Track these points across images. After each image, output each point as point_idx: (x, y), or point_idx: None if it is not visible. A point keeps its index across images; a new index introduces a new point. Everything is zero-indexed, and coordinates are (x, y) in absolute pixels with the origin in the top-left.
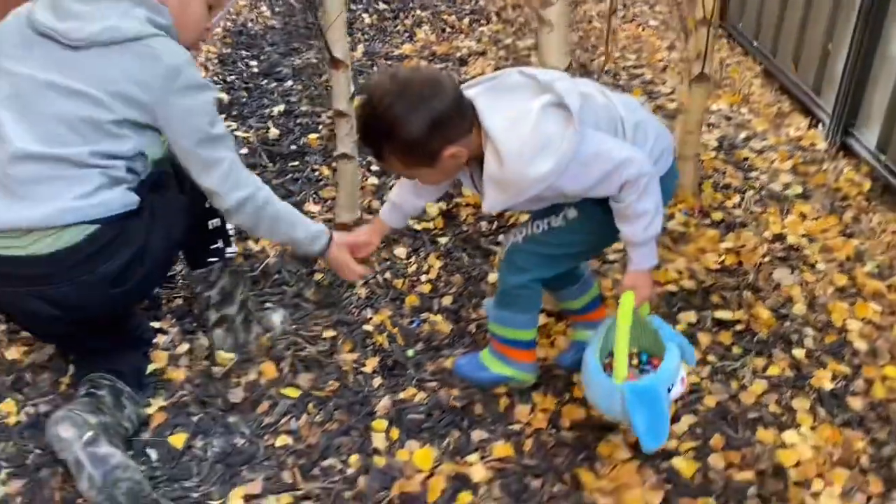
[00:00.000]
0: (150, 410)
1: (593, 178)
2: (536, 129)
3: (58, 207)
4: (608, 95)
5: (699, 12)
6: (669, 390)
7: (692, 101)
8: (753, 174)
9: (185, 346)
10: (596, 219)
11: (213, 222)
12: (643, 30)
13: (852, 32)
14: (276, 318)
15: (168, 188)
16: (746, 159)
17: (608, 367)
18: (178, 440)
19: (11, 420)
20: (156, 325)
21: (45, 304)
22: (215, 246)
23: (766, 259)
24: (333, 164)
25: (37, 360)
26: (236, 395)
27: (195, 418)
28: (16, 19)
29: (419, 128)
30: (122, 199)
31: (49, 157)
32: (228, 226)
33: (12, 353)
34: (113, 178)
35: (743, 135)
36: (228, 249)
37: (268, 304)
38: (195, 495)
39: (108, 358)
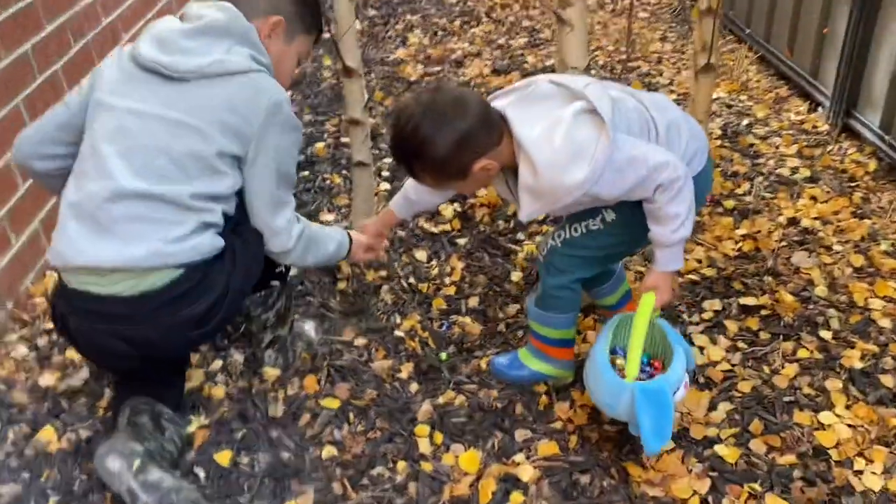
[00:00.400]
0: (191, 429)
1: (629, 184)
2: (569, 137)
3: (147, 249)
4: (638, 97)
5: (703, 3)
6: (674, 393)
7: (699, 91)
8: (760, 160)
9: (218, 363)
10: (634, 220)
11: None
12: (634, 21)
13: (849, 14)
14: (310, 330)
15: (246, 229)
16: (752, 146)
17: (615, 365)
18: (223, 457)
19: (53, 447)
20: None
21: (123, 343)
22: (279, 269)
23: (783, 243)
24: (344, 172)
25: (71, 386)
26: (276, 409)
27: (238, 434)
28: (116, 57)
29: (446, 146)
30: (211, 243)
31: (150, 195)
32: None
33: (46, 380)
34: (207, 223)
35: (745, 122)
36: (291, 272)
37: (295, 317)
38: None
39: (150, 382)
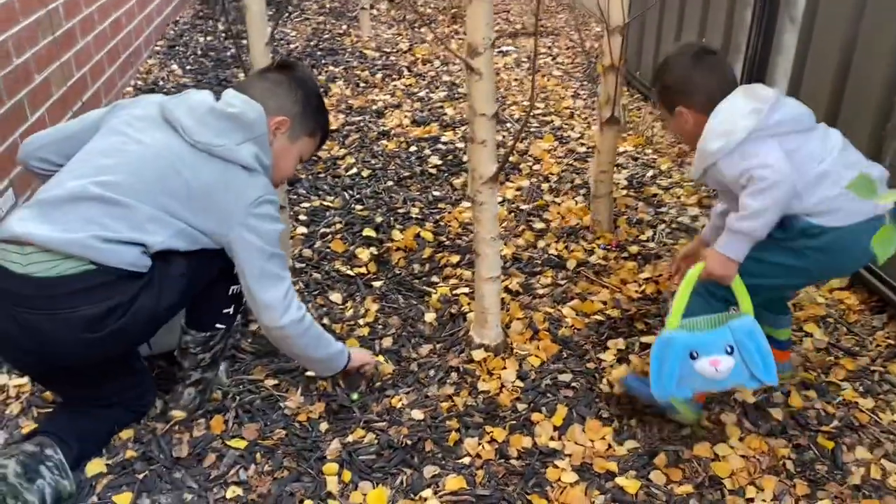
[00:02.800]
0: (94, 471)
1: (739, 169)
2: (730, 120)
3: (76, 238)
4: (834, 141)
5: (606, 59)
6: (694, 357)
7: (604, 143)
8: (663, 209)
9: None
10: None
11: (234, 288)
12: (548, 80)
13: (740, 80)
14: (222, 373)
15: (174, 262)
16: (655, 195)
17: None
18: (123, 500)
19: None
20: None
21: (17, 327)
22: (227, 311)
23: None
24: None
25: None
26: (181, 450)
27: (140, 476)
28: (144, 101)
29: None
30: (135, 258)
31: (111, 200)
32: None
33: None
34: (142, 241)
35: (650, 173)
36: (239, 317)
37: None
38: None
39: (72, 416)
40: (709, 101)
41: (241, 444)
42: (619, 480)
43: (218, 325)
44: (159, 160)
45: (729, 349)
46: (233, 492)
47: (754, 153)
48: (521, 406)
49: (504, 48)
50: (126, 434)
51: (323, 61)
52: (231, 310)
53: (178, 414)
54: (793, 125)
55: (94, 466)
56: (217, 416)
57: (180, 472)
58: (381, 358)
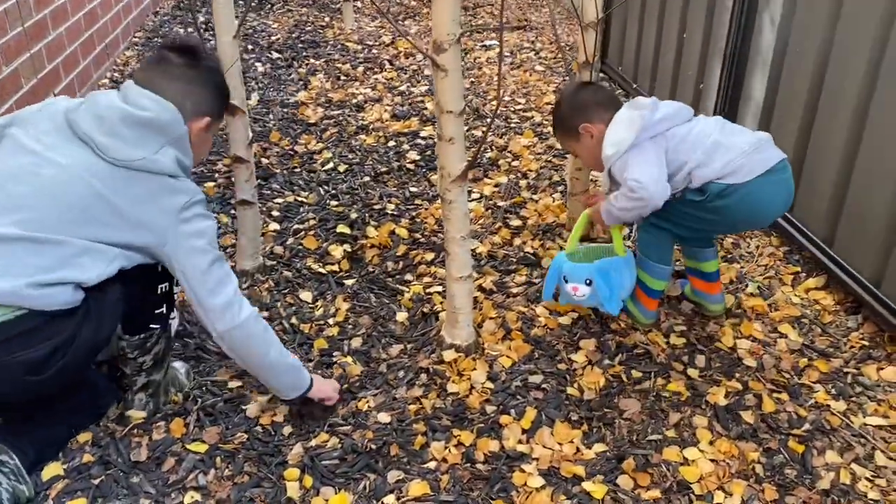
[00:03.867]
0: (49, 474)
1: (622, 175)
2: (620, 129)
3: (9, 286)
4: (712, 120)
5: (581, 56)
6: (565, 281)
7: None
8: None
9: None
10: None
11: (163, 286)
12: (530, 75)
13: (720, 72)
14: (182, 374)
15: (108, 289)
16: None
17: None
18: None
19: None
20: None
21: None
22: (159, 311)
23: None
24: (232, 212)
25: None
26: (140, 454)
27: (96, 481)
28: (47, 110)
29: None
30: (68, 297)
31: (29, 239)
32: (176, 289)
33: None
34: (73, 279)
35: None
36: (172, 315)
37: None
38: None
39: (26, 423)
40: (605, 111)
41: (202, 447)
42: (586, 485)
43: (152, 326)
44: (78, 186)
45: (587, 282)
46: (191, 497)
47: (633, 163)
48: (489, 408)
49: (487, 42)
50: (84, 437)
51: (304, 54)
52: (164, 309)
53: (135, 415)
54: (674, 119)
55: (51, 470)
56: (177, 420)
57: (138, 476)
58: (349, 359)
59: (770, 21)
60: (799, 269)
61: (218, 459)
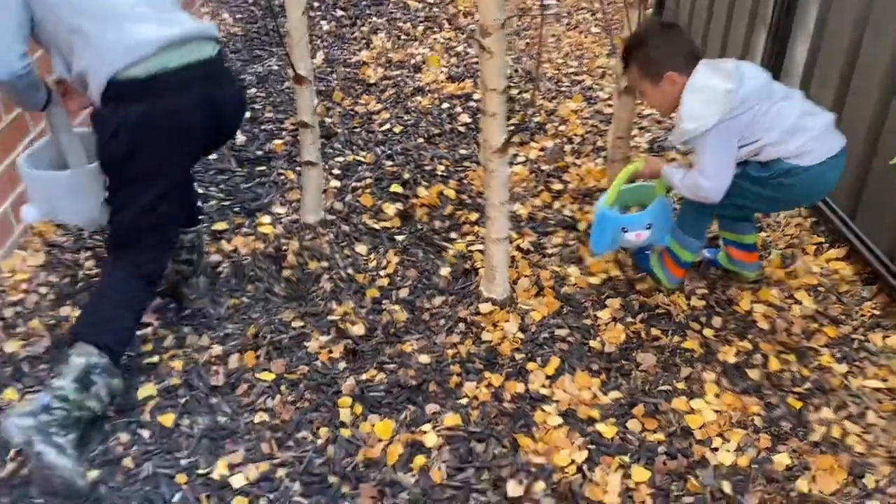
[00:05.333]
0: (144, 394)
1: (695, 156)
2: (704, 102)
3: (203, 26)
4: (795, 96)
5: (625, 30)
6: (625, 231)
7: (621, 110)
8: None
9: (171, 339)
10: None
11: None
12: (585, 37)
13: (763, 43)
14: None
15: None
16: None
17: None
18: (167, 419)
19: None
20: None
21: (211, 109)
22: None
23: None
24: (298, 169)
25: (32, 353)
26: (218, 380)
27: (182, 400)
28: None
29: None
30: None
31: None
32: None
33: (10, 347)
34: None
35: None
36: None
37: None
38: (184, 463)
39: (96, 312)
40: (689, 62)
41: (270, 376)
42: (599, 426)
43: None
44: None
45: (648, 226)
46: (260, 417)
47: (709, 152)
48: (518, 356)
49: (546, 2)
50: (175, 364)
51: (367, 12)
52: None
53: (215, 349)
54: (757, 98)
55: (145, 390)
56: (249, 352)
57: (216, 398)
58: (396, 307)
59: None
60: (822, 239)
61: (283, 387)
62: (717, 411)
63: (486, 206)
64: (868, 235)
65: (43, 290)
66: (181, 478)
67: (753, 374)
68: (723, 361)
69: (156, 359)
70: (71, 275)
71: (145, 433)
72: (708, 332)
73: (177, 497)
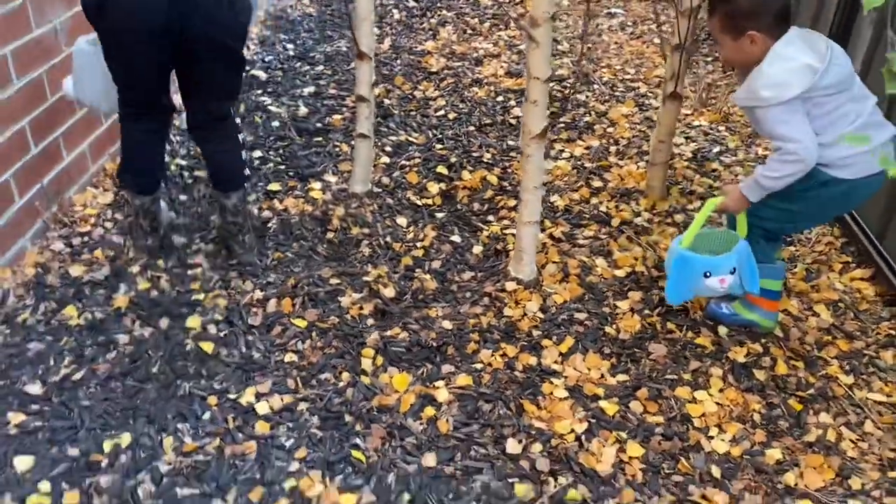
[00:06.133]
0: (189, 324)
1: (772, 129)
2: (787, 71)
3: None
4: (868, 102)
5: (674, 40)
6: (707, 276)
7: (664, 115)
8: (718, 184)
9: (217, 280)
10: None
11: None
12: (647, 47)
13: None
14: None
15: None
16: (715, 170)
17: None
18: (207, 347)
19: (73, 322)
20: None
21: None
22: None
23: None
24: (352, 143)
25: (94, 278)
26: (256, 320)
27: (223, 335)
28: None
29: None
30: None
31: None
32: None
33: (75, 271)
34: None
35: (717, 149)
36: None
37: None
38: (217, 387)
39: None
40: (778, 25)
41: (303, 323)
42: (602, 403)
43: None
44: None
45: (732, 270)
46: (290, 357)
47: (789, 121)
48: (535, 332)
49: (613, 10)
50: (220, 302)
51: (438, 4)
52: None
53: (257, 294)
54: (838, 87)
55: (192, 321)
56: (287, 299)
57: (252, 336)
58: (427, 276)
59: None
60: (850, 259)
61: (314, 334)
62: (718, 404)
63: (521, 190)
64: (893, 256)
65: (108, 224)
66: (212, 399)
67: (760, 374)
68: (732, 360)
69: (202, 296)
70: None
71: (186, 358)
72: (722, 330)
73: (206, 415)
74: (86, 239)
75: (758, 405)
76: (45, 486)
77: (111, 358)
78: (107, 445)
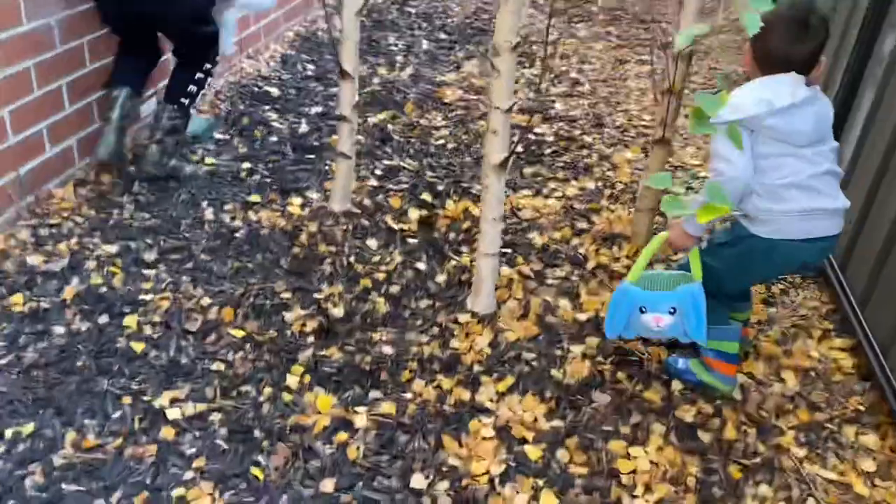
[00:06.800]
0: (125, 322)
1: (713, 147)
2: (746, 96)
3: None
4: (820, 166)
5: (664, 84)
6: (643, 311)
7: (653, 160)
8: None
9: (169, 283)
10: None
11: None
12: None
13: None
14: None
15: None
16: None
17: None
18: (138, 347)
19: (17, 309)
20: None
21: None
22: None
23: None
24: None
25: (51, 269)
26: (194, 326)
27: (156, 336)
28: None
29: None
30: None
31: None
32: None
33: (33, 260)
34: None
35: None
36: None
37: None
38: (135, 388)
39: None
40: (764, 61)
41: (240, 333)
42: (527, 447)
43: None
44: None
45: (672, 310)
46: (217, 366)
47: (722, 141)
48: (477, 368)
49: (645, 57)
50: (163, 304)
51: (471, 39)
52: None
53: (205, 300)
54: (787, 137)
55: (129, 320)
56: (229, 309)
57: (186, 340)
58: (381, 300)
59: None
60: (832, 326)
61: (248, 345)
62: (653, 462)
63: (480, 221)
64: (872, 326)
65: (79, 219)
66: (127, 399)
67: (705, 436)
68: (679, 418)
69: (149, 297)
70: (108, 213)
71: (114, 356)
72: (676, 386)
73: (117, 414)
74: (53, 231)
75: (695, 468)
76: None
77: (41, 347)
78: (8, 433)
